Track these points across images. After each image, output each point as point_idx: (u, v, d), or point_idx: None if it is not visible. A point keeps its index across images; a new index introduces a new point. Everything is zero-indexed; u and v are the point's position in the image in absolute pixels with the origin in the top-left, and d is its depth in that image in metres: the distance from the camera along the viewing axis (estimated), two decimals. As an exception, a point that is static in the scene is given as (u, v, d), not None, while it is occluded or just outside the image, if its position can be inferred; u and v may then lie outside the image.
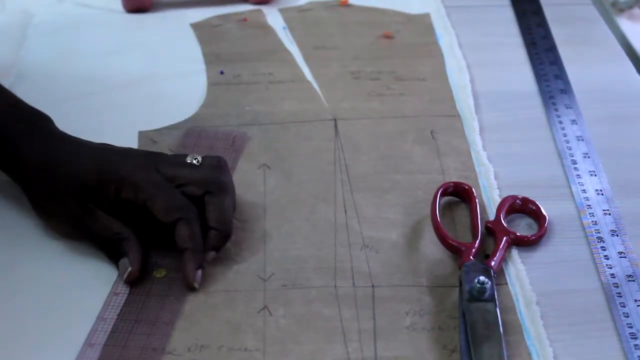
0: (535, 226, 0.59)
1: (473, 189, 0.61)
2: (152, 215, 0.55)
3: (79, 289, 0.54)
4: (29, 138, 0.58)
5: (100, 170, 0.56)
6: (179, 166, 0.57)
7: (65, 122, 0.60)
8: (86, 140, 0.59)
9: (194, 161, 0.57)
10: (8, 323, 0.52)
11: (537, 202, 0.60)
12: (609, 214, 0.60)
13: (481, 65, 0.75)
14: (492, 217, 0.59)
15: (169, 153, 0.63)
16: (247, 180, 0.62)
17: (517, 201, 0.60)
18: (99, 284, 0.54)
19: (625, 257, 0.56)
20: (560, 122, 0.68)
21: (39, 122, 0.60)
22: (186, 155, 0.58)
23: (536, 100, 0.72)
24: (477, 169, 0.64)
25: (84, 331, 0.51)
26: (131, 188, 0.55)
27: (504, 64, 0.76)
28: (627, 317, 0.52)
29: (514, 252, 0.57)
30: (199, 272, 0.54)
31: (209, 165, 0.58)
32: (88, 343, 0.51)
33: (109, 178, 0.55)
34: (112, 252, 0.55)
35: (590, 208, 0.60)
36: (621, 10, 0.88)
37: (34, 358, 0.50)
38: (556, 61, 0.76)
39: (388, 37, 0.80)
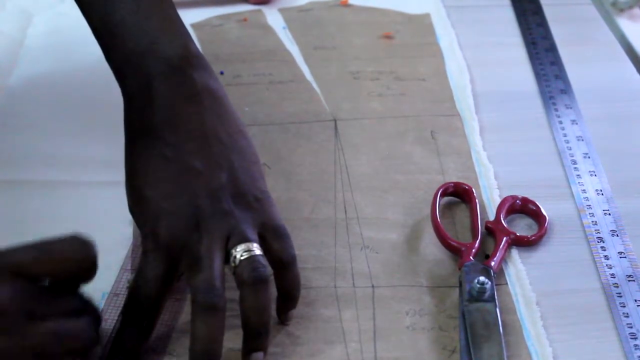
0: (535, 226, 0.59)
1: (473, 189, 0.61)
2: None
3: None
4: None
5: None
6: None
7: (66, 122, 0.60)
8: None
9: (237, 256, 0.49)
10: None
11: (537, 202, 0.60)
12: (609, 214, 0.60)
13: (481, 65, 0.75)
14: (492, 217, 0.59)
15: None
16: (247, 180, 0.62)
17: (517, 201, 0.60)
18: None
19: (625, 257, 0.56)
20: (560, 122, 0.68)
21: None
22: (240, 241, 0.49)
23: (536, 100, 0.72)
24: (477, 169, 0.64)
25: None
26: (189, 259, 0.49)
27: (504, 64, 0.76)
28: (627, 317, 0.52)
29: (514, 252, 0.57)
30: None
31: (242, 275, 0.48)
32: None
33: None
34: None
35: (590, 208, 0.60)
36: (621, 10, 0.87)
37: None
38: (556, 61, 0.76)
39: (388, 37, 0.80)
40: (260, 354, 0.49)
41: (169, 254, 0.49)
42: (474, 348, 0.49)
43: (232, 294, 0.48)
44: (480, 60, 0.76)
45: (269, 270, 0.49)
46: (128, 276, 0.55)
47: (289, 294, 0.52)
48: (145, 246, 0.50)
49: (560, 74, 0.74)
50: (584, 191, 0.62)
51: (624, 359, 0.50)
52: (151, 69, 0.54)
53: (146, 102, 0.53)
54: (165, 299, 0.49)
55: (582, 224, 0.59)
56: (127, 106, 0.55)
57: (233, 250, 0.49)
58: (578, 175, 0.63)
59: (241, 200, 0.51)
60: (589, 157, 0.65)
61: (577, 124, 0.68)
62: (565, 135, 0.67)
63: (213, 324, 0.47)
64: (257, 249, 0.49)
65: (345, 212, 0.60)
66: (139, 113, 0.54)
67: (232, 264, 0.49)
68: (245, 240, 0.49)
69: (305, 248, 0.57)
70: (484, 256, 0.57)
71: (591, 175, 0.63)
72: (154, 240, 0.49)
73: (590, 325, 0.53)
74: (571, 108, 0.70)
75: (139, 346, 0.48)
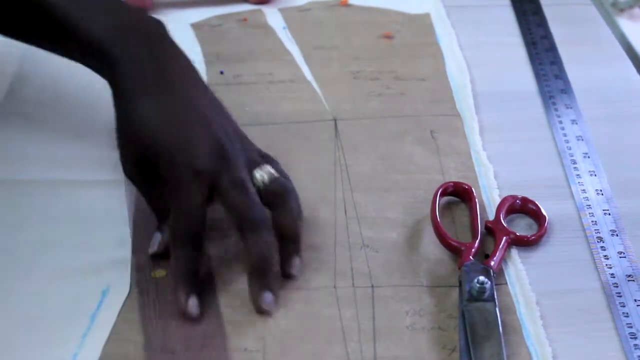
0: (535, 226, 0.59)
1: (473, 189, 0.61)
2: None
3: (76, 287, 0.54)
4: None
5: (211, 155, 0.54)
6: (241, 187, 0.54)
7: (66, 122, 0.60)
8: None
9: (263, 175, 0.56)
10: (4, 323, 0.52)
11: (537, 202, 0.60)
12: (609, 214, 0.60)
13: (481, 65, 0.75)
14: (491, 217, 0.59)
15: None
16: (247, 180, 0.62)
17: (517, 201, 0.60)
18: (98, 282, 0.54)
19: (625, 257, 0.57)
20: (560, 122, 0.68)
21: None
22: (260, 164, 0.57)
23: (536, 100, 0.72)
24: (477, 169, 0.64)
25: (81, 331, 0.51)
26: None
27: (504, 64, 0.76)
28: (627, 317, 0.52)
29: (514, 252, 0.57)
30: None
31: (273, 190, 0.56)
32: (88, 343, 0.51)
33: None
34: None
35: (590, 208, 0.60)
36: (621, 10, 0.88)
37: (32, 358, 0.50)
38: (556, 61, 0.76)
39: (388, 37, 0.80)
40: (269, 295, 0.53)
41: (203, 182, 0.53)
42: (474, 348, 0.49)
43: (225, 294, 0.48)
44: (480, 60, 0.76)
45: None
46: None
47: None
48: (179, 181, 0.53)
49: (560, 74, 0.74)
50: (584, 191, 0.62)
51: (624, 359, 0.50)
52: (130, 40, 0.57)
53: (136, 64, 0.57)
54: (206, 223, 0.53)
55: (582, 224, 0.59)
56: (115, 73, 0.57)
57: (255, 173, 0.55)
58: (578, 175, 0.63)
59: (238, 136, 0.58)
60: (589, 157, 0.65)
61: (577, 123, 0.68)
62: (565, 135, 0.67)
63: (264, 235, 0.52)
64: (273, 169, 0.56)
65: (345, 211, 0.60)
66: (132, 74, 0.56)
67: (258, 185, 0.55)
68: (261, 164, 0.56)
69: (305, 248, 0.57)
70: (484, 256, 0.57)
71: (591, 175, 0.63)
72: (185, 172, 0.53)
73: (590, 325, 0.53)
74: (571, 108, 0.70)
75: (196, 268, 0.52)
